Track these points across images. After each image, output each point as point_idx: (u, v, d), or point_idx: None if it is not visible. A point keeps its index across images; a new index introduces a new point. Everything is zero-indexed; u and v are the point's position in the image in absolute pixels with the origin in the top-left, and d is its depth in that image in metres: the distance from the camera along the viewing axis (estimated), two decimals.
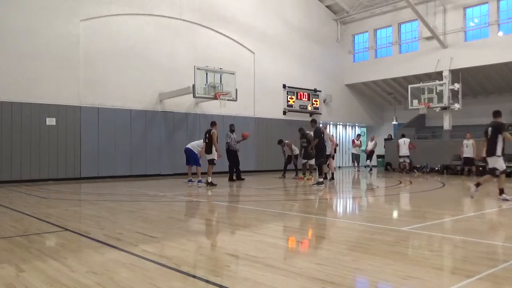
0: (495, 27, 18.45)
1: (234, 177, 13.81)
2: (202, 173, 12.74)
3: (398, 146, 18.53)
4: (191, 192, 10.66)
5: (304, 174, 14.46)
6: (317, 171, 12.20)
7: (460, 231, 5.50)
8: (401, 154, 18.43)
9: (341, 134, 25.32)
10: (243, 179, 13.93)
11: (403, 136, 18.77)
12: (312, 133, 12.51)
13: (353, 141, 20.80)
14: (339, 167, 24.11)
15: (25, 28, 13.36)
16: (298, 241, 5.10)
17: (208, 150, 12.08)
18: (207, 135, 12.16)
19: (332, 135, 15.19)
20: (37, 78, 13.54)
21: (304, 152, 14.16)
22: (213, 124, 12.28)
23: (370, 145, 20.24)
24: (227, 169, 14.01)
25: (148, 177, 15.41)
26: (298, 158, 14.98)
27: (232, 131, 13.82)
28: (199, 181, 12.47)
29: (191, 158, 12.60)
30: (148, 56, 15.89)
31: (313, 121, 12.31)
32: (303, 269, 3.60)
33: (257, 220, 6.47)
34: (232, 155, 13.62)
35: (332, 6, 22.89)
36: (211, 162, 12.06)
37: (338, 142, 22.44)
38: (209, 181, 12.00)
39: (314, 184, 11.71)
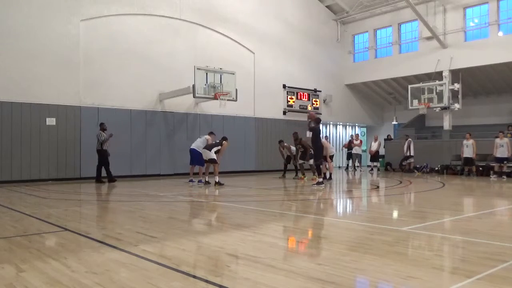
0: (495, 27, 18.45)
1: (103, 179, 13.38)
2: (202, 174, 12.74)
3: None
4: (191, 192, 10.66)
5: (303, 174, 14.48)
6: (316, 171, 12.19)
7: (460, 231, 5.50)
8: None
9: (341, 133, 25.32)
10: (115, 180, 13.43)
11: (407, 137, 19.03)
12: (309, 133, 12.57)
13: (352, 142, 20.74)
14: (339, 167, 24.11)
15: (25, 28, 13.35)
16: (298, 241, 5.10)
17: (209, 148, 11.99)
18: (218, 140, 12.32)
19: (329, 142, 15.23)
20: (37, 78, 13.54)
21: (301, 154, 14.37)
22: (225, 138, 12.49)
23: (374, 146, 20.18)
24: (229, 169, 13.98)
25: (148, 177, 15.41)
26: (296, 159, 15.01)
27: (103, 129, 13.27)
28: (199, 181, 12.47)
29: (196, 158, 12.52)
30: (148, 56, 15.89)
31: (317, 120, 12.21)
32: (303, 269, 3.60)
33: (257, 220, 6.47)
34: (102, 155, 13.24)
35: (332, 6, 22.89)
36: (214, 161, 11.99)
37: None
38: (217, 180, 11.93)
39: (314, 184, 11.71)
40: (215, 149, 12.01)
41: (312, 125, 11.85)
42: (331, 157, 14.56)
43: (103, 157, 13.23)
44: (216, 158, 12.01)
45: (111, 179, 13.33)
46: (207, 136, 12.68)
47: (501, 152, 15.35)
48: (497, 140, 15.50)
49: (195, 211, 8.01)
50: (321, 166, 12.02)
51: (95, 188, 11.94)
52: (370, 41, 22.92)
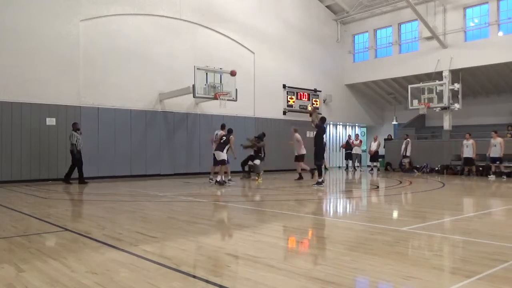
0: (495, 27, 18.44)
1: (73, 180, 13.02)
2: (215, 173, 13.06)
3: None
4: (190, 192, 10.66)
5: (258, 175, 14.30)
6: (316, 171, 12.17)
7: (460, 231, 5.50)
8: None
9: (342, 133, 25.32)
10: (87, 183, 12.98)
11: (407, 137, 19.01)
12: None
13: (351, 142, 20.79)
14: (339, 167, 24.12)
15: (25, 28, 13.35)
16: (298, 241, 5.10)
17: (220, 149, 12.25)
18: (224, 138, 12.41)
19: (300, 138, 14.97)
20: (37, 78, 13.54)
21: (255, 155, 14.66)
22: (230, 131, 12.64)
23: (374, 146, 20.22)
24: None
25: (148, 177, 15.41)
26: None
27: (76, 129, 12.89)
28: (230, 180, 12.82)
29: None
30: (148, 56, 15.89)
31: (322, 119, 12.22)
32: (303, 269, 3.60)
33: (257, 220, 6.47)
34: (75, 156, 12.88)
35: (332, 6, 22.89)
36: (223, 162, 12.24)
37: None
38: (218, 179, 12.16)
39: (314, 184, 11.71)
40: (226, 147, 12.27)
41: (317, 123, 11.84)
42: (303, 156, 14.39)
43: (75, 158, 12.88)
44: (225, 159, 12.27)
45: (83, 181, 12.96)
46: (221, 132, 12.94)
47: (494, 152, 15.39)
48: (492, 140, 15.56)
49: (195, 211, 8.00)
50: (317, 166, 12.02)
51: (95, 188, 11.93)
52: (370, 41, 22.91)
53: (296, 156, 14.45)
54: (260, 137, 14.82)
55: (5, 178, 12.84)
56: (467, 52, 18.87)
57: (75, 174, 13.07)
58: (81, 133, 13.13)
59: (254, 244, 4.67)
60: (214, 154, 12.76)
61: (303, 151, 14.26)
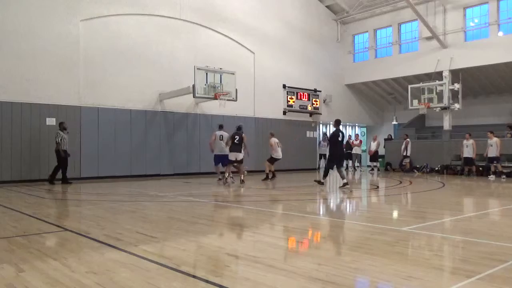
0: (495, 27, 18.44)
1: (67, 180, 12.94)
2: (221, 172, 13.38)
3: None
4: (191, 192, 10.66)
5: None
6: (323, 173, 12.09)
7: (460, 231, 5.50)
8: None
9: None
10: (54, 184, 12.69)
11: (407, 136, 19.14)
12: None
13: (351, 142, 20.79)
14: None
15: (25, 28, 13.34)
16: (298, 241, 5.10)
17: (239, 149, 12.38)
18: (237, 137, 12.43)
19: (275, 142, 14.73)
20: (37, 78, 13.53)
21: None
22: (240, 128, 12.73)
23: (373, 146, 20.22)
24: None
25: (148, 177, 15.41)
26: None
27: (63, 129, 12.81)
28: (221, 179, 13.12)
29: (225, 159, 12.99)
30: (148, 56, 15.88)
31: (337, 122, 11.85)
32: (303, 269, 3.60)
33: (257, 220, 6.47)
34: (60, 156, 12.65)
35: (332, 6, 22.88)
36: (242, 161, 12.57)
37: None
38: (242, 178, 12.56)
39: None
40: (244, 148, 12.52)
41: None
42: (276, 160, 14.41)
43: (60, 158, 12.68)
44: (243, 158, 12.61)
45: (52, 181, 12.81)
46: (225, 133, 13.10)
47: (490, 152, 15.43)
48: (488, 140, 15.60)
49: (195, 211, 8.00)
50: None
51: (95, 188, 11.93)
52: (370, 41, 22.91)
53: (271, 157, 14.55)
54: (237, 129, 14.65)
55: (5, 178, 12.83)
56: (467, 52, 18.87)
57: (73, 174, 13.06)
58: (67, 132, 13.06)
59: (254, 244, 4.67)
60: (227, 156, 12.61)
61: (276, 156, 14.37)
